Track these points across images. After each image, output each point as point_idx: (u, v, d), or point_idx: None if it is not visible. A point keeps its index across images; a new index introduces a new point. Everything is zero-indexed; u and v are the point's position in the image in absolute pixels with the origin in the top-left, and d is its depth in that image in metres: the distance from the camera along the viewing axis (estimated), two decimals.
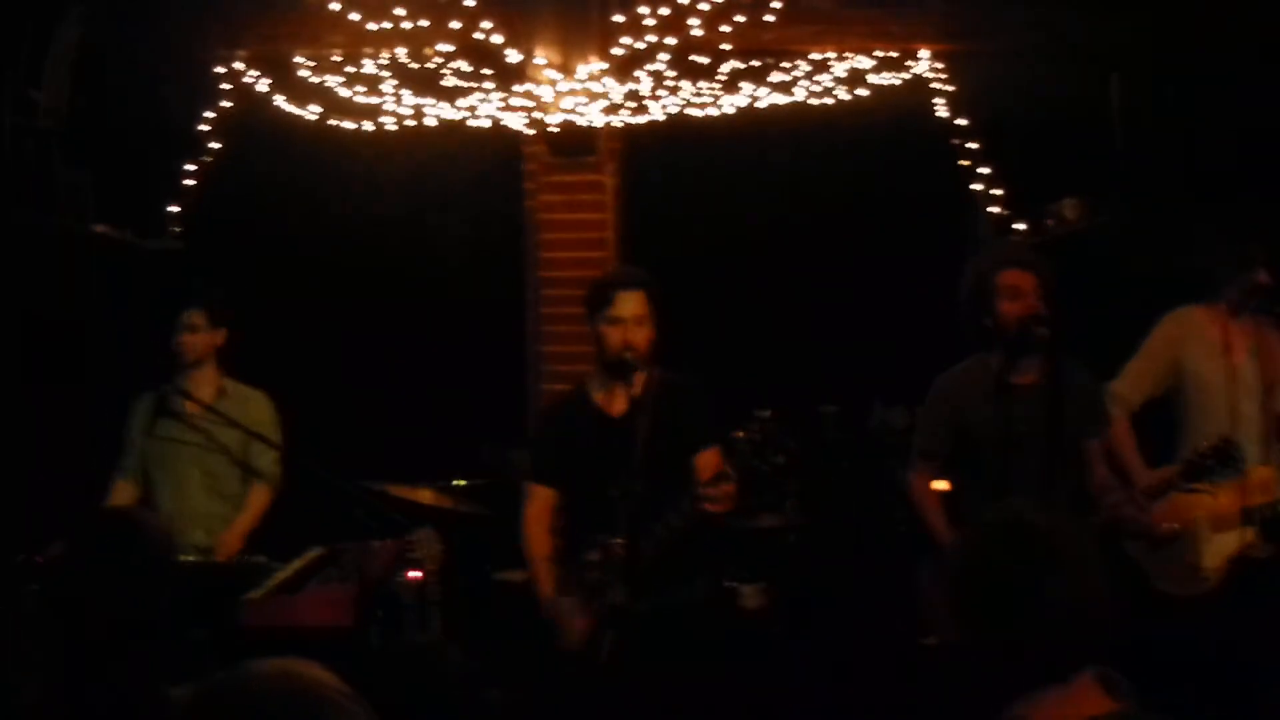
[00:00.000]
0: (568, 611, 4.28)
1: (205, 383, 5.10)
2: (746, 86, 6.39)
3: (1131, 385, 4.79)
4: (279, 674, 1.63)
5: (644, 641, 4.14)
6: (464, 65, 6.24)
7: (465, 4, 5.93)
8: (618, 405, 4.37)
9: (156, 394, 5.08)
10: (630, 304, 4.28)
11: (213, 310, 5.10)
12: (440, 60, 6.24)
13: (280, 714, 1.58)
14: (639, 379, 4.35)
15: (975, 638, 2.22)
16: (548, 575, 4.40)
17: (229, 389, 5.12)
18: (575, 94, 6.10)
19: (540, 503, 4.51)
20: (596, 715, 4.17)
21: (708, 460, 4.33)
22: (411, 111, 6.44)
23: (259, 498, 5.08)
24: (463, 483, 5.49)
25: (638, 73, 6.16)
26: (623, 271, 4.49)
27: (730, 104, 6.42)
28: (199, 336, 5.06)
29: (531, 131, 6.38)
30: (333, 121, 6.50)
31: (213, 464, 5.08)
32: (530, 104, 6.18)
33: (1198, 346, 4.74)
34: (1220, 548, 4.53)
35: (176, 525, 4.97)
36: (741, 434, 4.03)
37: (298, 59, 6.40)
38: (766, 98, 6.42)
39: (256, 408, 5.13)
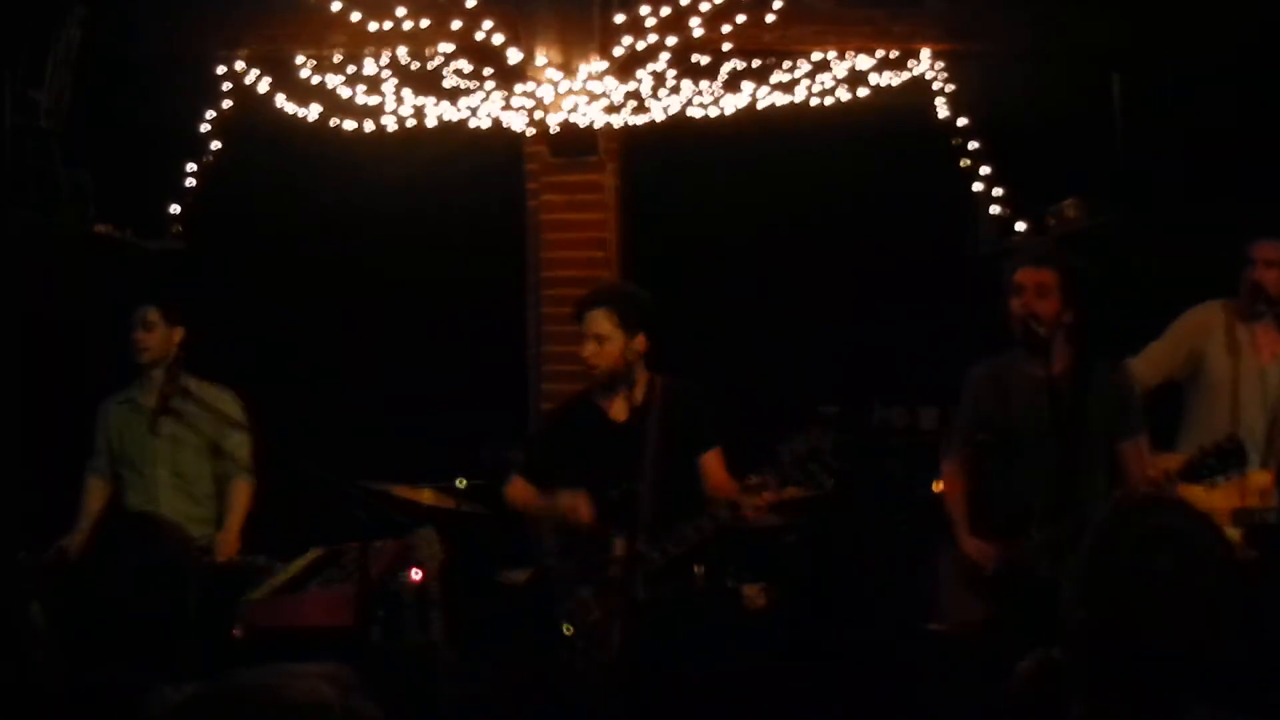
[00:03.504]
0: (567, 495, 4.43)
1: (164, 384, 5.09)
2: (747, 86, 6.39)
3: (1149, 365, 4.80)
4: (265, 688, 1.63)
5: (650, 634, 4.18)
6: (465, 65, 6.24)
7: (466, 4, 5.93)
8: (622, 411, 4.49)
9: (122, 396, 5.10)
10: (588, 322, 4.49)
11: (167, 308, 5.08)
12: (441, 60, 6.24)
13: None
14: (640, 385, 4.50)
15: (1099, 643, 2.09)
16: (535, 495, 4.58)
17: (194, 388, 5.09)
18: (576, 94, 6.11)
19: (519, 486, 4.67)
20: (599, 711, 4.18)
21: (712, 461, 4.49)
22: (412, 111, 6.44)
23: (242, 494, 5.06)
24: (464, 483, 5.49)
25: (639, 73, 6.16)
26: (596, 288, 4.69)
27: (731, 104, 6.41)
28: (155, 334, 5.04)
29: (532, 132, 6.37)
30: (334, 121, 6.50)
31: (182, 464, 5.07)
32: (531, 104, 6.18)
33: (1218, 341, 4.76)
34: None
35: None
36: (787, 448, 4.13)
37: (299, 59, 6.40)
38: (767, 98, 6.42)
39: (224, 406, 5.10)
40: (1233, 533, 4.50)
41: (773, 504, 4.26)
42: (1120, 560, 2.08)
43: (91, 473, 5.17)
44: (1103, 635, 2.08)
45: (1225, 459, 4.17)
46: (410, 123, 6.48)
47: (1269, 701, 3.38)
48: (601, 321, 4.48)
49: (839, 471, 4.10)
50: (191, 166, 6.53)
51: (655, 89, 6.28)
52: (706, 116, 6.43)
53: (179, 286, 5.30)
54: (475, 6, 5.95)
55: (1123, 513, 2.16)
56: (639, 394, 4.50)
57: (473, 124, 6.44)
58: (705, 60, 6.26)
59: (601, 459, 4.43)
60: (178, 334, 5.11)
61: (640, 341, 4.50)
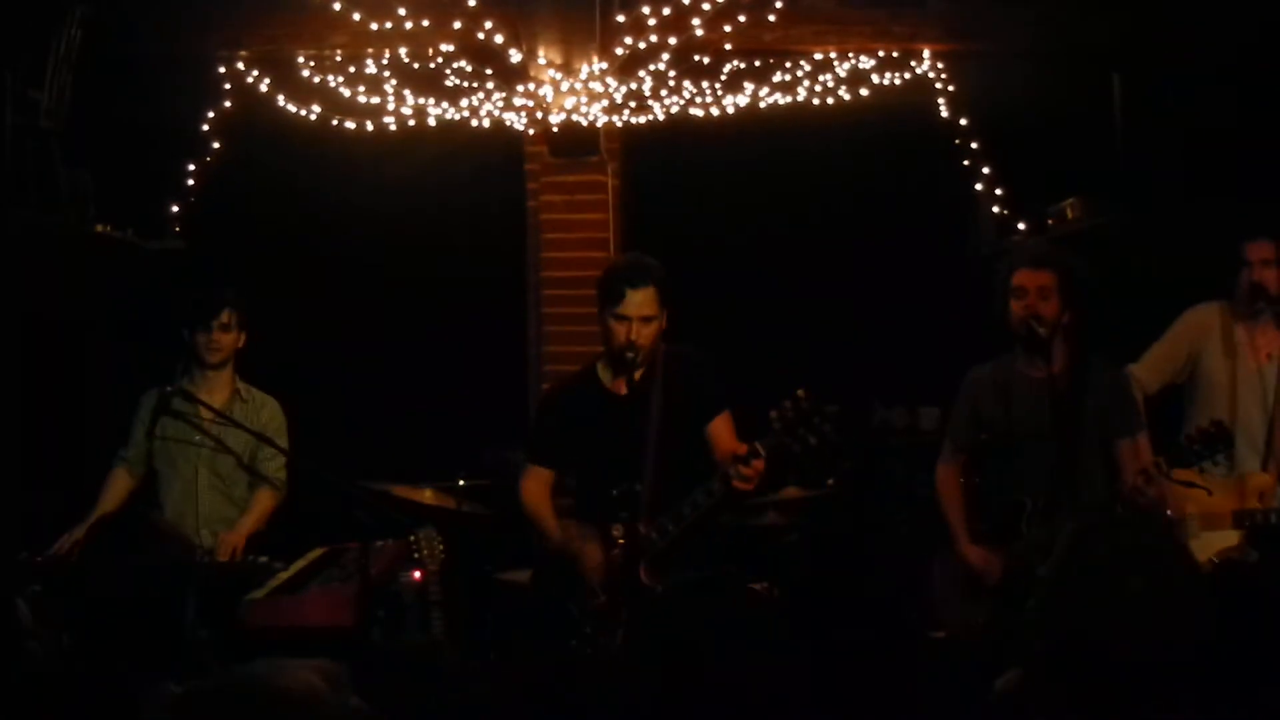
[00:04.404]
0: (582, 541, 4.30)
1: (222, 385, 5.10)
2: (748, 86, 6.40)
3: (1150, 368, 4.81)
4: (258, 678, 1.65)
5: (657, 625, 4.14)
6: (465, 65, 6.23)
7: (467, 4, 5.93)
8: (624, 383, 4.35)
9: (169, 391, 5.08)
10: (638, 302, 4.27)
11: (242, 312, 5.11)
12: (442, 60, 6.24)
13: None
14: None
15: (1066, 657, 2.07)
16: (552, 519, 4.42)
17: (244, 393, 5.13)
18: (577, 94, 6.10)
19: (536, 480, 4.52)
20: (605, 705, 4.18)
21: (721, 427, 4.36)
22: (413, 111, 6.44)
23: (264, 502, 5.07)
24: (464, 483, 5.49)
25: (639, 72, 6.16)
26: (635, 266, 4.37)
27: (732, 104, 6.42)
28: (230, 336, 5.07)
29: (533, 131, 6.37)
30: (334, 121, 6.50)
31: (222, 466, 5.07)
32: (532, 104, 6.18)
33: (1213, 342, 4.77)
34: (1206, 546, 4.53)
35: (185, 523, 4.97)
36: (775, 413, 4.04)
37: (299, 59, 6.40)
38: (768, 98, 6.42)
39: (269, 414, 5.14)
40: (1233, 534, 4.51)
41: (763, 472, 4.09)
42: (1089, 578, 2.08)
43: (119, 463, 5.14)
44: (1068, 650, 2.08)
45: (1210, 443, 4.19)
46: (411, 123, 6.48)
47: (1272, 700, 3.38)
48: (652, 301, 4.27)
49: (829, 436, 4.05)
50: (192, 166, 6.52)
51: (656, 89, 6.28)
52: (708, 116, 6.43)
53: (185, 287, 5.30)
54: (476, 6, 5.95)
55: (1090, 530, 2.16)
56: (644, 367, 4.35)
57: (473, 124, 6.44)
58: (706, 60, 6.26)
59: (604, 434, 4.33)
60: (242, 338, 5.13)
61: (665, 318, 4.36)
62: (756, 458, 4.06)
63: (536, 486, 4.52)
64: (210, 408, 4.95)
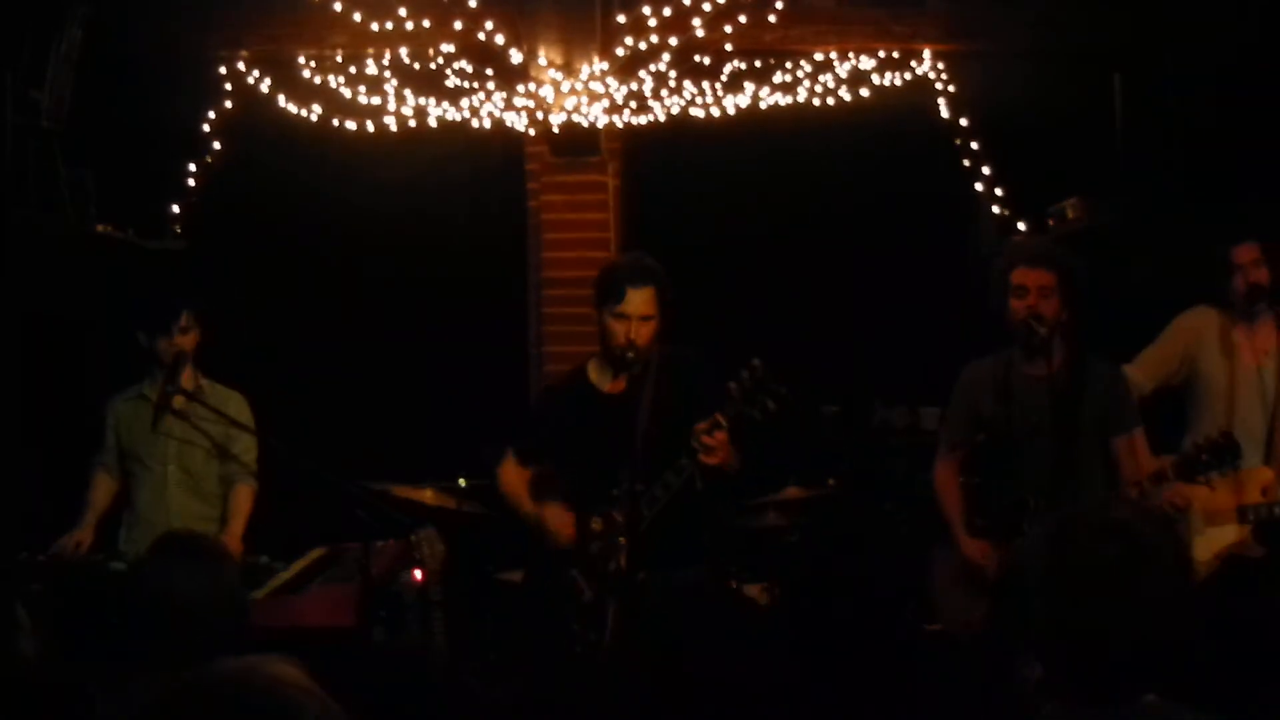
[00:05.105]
0: (554, 514, 4.33)
1: (183, 383, 5.11)
2: (749, 87, 6.40)
3: (1145, 371, 4.82)
4: (239, 674, 1.66)
5: (647, 622, 4.15)
6: (466, 65, 6.24)
7: (467, 4, 5.93)
8: (618, 384, 4.36)
9: (131, 392, 5.11)
10: (638, 301, 4.26)
11: (201, 310, 5.11)
12: (442, 60, 6.25)
13: (236, 715, 1.61)
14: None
15: (1054, 636, 2.11)
16: (526, 494, 4.44)
17: (206, 389, 5.11)
18: (577, 94, 6.11)
19: (511, 471, 4.54)
20: (597, 704, 4.17)
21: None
22: (413, 112, 6.44)
23: (245, 497, 5.06)
24: (465, 483, 5.49)
25: (640, 73, 6.16)
26: (636, 266, 4.36)
27: (732, 104, 6.42)
28: (190, 337, 5.07)
29: (534, 132, 6.37)
30: (335, 122, 6.50)
31: (191, 462, 5.08)
32: (532, 104, 6.19)
33: (1210, 345, 4.78)
34: (1211, 542, 4.55)
35: (155, 522, 4.95)
36: (733, 384, 4.08)
37: (300, 59, 6.40)
38: (768, 98, 6.42)
39: (235, 407, 5.11)
40: (1237, 530, 4.52)
41: (728, 444, 4.11)
42: (1070, 551, 2.11)
43: (98, 467, 5.16)
44: (1057, 626, 2.10)
45: (1219, 454, 4.19)
46: (411, 123, 6.48)
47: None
48: (651, 301, 4.27)
49: (785, 399, 4.08)
50: (193, 166, 6.53)
51: (657, 89, 6.28)
52: (708, 117, 6.43)
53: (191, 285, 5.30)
54: (477, 7, 5.95)
55: (1076, 508, 2.20)
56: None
57: (474, 124, 6.44)
58: (707, 60, 6.26)
59: (594, 434, 4.33)
60: (197, 335, 5.14)
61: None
62: (719, 428, 4.09)
63: (512, 475, 4.54)
64: (186, 393, 4.94)
